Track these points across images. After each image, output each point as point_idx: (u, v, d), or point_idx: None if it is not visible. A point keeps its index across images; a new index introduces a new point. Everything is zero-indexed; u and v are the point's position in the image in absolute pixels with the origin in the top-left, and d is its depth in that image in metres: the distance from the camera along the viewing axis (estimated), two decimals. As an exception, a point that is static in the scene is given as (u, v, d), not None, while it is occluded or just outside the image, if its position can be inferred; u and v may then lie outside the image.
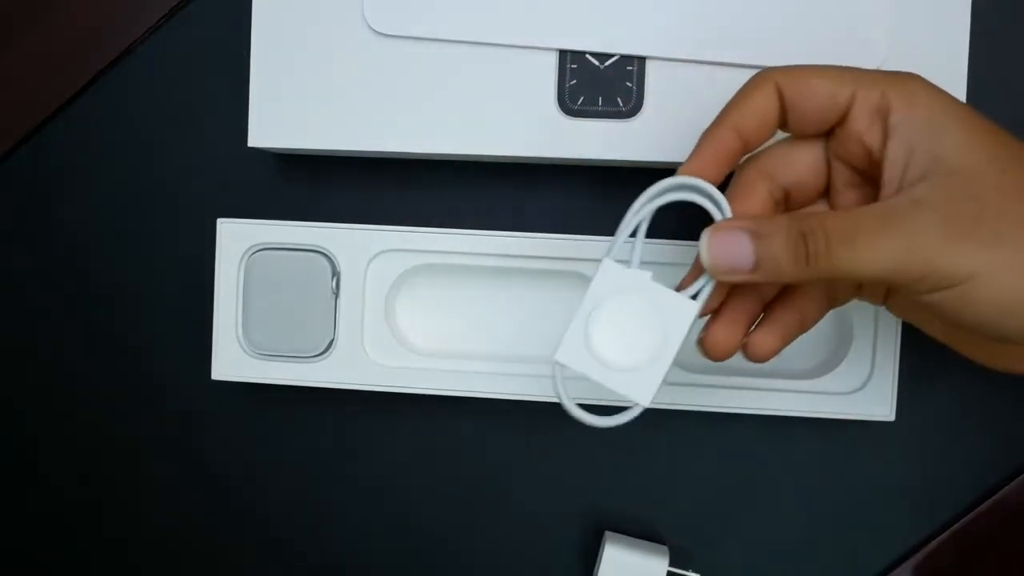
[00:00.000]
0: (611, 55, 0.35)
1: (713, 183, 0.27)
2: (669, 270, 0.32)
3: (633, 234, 0.28)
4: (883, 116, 0.26)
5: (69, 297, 0.42)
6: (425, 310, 0.39)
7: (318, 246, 0.37)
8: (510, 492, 0.41)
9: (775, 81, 0.27)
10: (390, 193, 0.40)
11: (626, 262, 0.28)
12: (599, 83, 0.35)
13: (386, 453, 0.41)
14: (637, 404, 0.27)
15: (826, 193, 0.30)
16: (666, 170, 0.31)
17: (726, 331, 0.29)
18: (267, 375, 0.38)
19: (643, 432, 0.40)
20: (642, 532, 0.40)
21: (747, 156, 0.29)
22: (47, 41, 0.42)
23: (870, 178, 0.28)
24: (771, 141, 0.29)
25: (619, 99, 0.35)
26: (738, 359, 0.30)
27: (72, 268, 0.42)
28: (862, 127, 0.26)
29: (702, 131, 0.28)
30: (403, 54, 0.36)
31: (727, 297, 0.29)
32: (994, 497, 0.39)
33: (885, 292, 0.30)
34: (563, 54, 0.35)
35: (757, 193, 0.29)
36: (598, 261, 0.28)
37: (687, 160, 0.28)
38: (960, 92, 0.34)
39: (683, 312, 0.27)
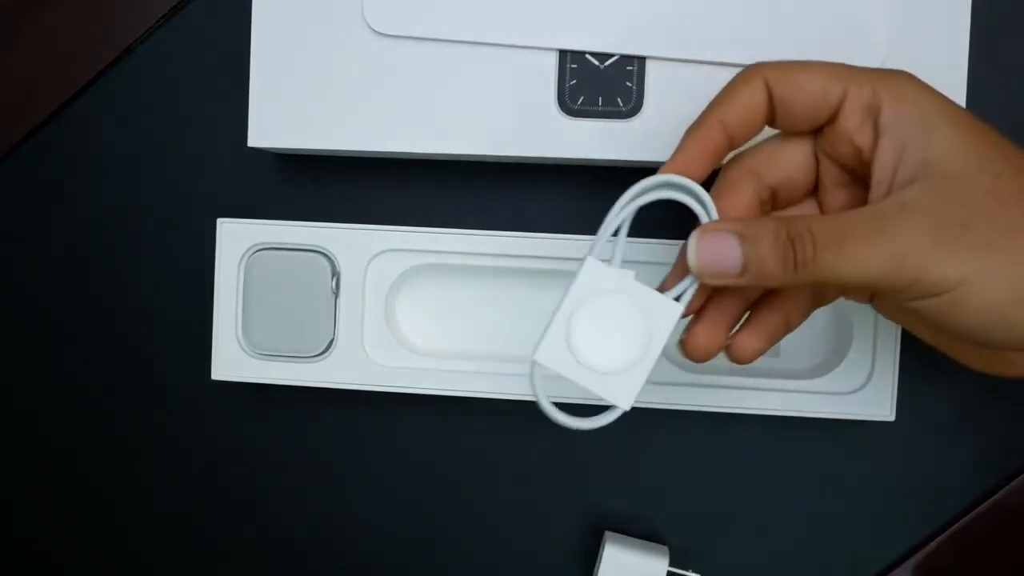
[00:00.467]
0: (611, 55, 0.35)
1: (698, 181, 0.27)
2: (652, 269, 0.32)
3: (616, 233, 0.27)
4: (874, 115, 0.26)
5: (69, 297, 0.42)
6: (425, 310, 0.39)
7: (318, 246, 0.37)
8: (510, 492, 0.41)
9: (764, 76, 0.27)
10: (390, 193, 0.40)
11: (608, 260, 0.27)
12: (599, 83, 0.35)
13: (386, 453, 0.41)
14: (618, 407, 0.27)
15: (814, 192, 0.29)
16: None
17: (708, 332, 0.28)
18: (267, 375, 0.38)
19: (643, 432, 0.40)
20: (642, 532, 0.40)
21: (733, 153, 0.29)
22: (47, 41, 0.42)
23: (859, 177, 0.27)
24: (759, 138, 0.28)
25: (619, 99, 0.35)
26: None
27: (72, 268, 0.42)
28: (852, 126, 0.26)
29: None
30: (403, 54, 0.36)
31: (710, 298, 0.29)
32: (994, 497, 0.39)
33: (871, 293, 0.30)
34: (563, 54, 0.35)
35: (743, 192, 0.28)
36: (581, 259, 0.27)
37: (672, 156, 0.27)
38: (960, 92, 0.34)
39: (666, 314, 0.27)
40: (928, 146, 0.25)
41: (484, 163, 0.39)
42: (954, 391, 0.38)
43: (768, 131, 0.28)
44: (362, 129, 0.36)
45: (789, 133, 0.28)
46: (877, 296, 0.29)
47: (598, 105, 0.35)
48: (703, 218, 0.27)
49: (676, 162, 0.27)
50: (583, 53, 0.35)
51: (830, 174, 0.28)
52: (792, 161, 0.28)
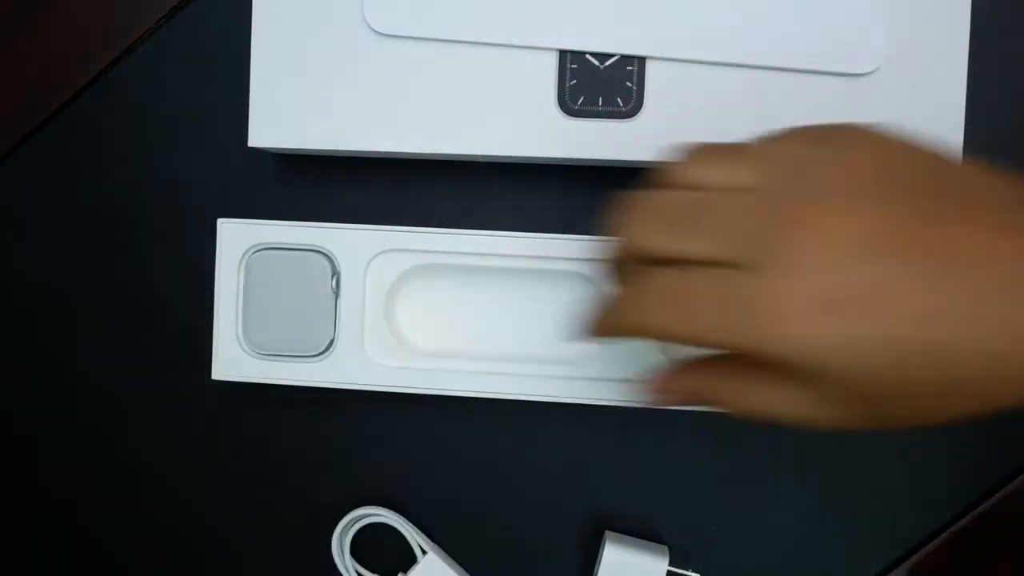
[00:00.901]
0: (611, 55, 0.35)
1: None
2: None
3: None
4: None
5: (69, 297, 0.42)
6: (425, 310, 0.39)
7: (318, 246, 0.37)
8: (510, 492, 0.41)
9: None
10: (390, 193, 0.40)
11: None
12: (599, 83, 0.35)
13: (386, 453, 0.41)
14: None
15: None
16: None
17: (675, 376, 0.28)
18: (267, 375, 0.38)
19: (643, 432, 0.40)
20: (642, 532, 0.40)
21: None
22: (47, 41, 0.42)
23: None
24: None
25: (619, 99, 0.35)
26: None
27: (72, 268, 0.42)
28: None
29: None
30: (403, 54, 0.36)
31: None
32: (994, 497, 0.39)
33: None
34: (563, 54, 0.35)
35: None
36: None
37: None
38: (960, 92, 0.34)
39: None
40: None
41: (484, 163, 0.39)
42: (954, 391, 0.38)
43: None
44: (362, 129, 0.36)
45: None
46: None
47: (598, 105, 0.35)
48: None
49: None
50: (583, 53, 0.35)
51: None
52: None
